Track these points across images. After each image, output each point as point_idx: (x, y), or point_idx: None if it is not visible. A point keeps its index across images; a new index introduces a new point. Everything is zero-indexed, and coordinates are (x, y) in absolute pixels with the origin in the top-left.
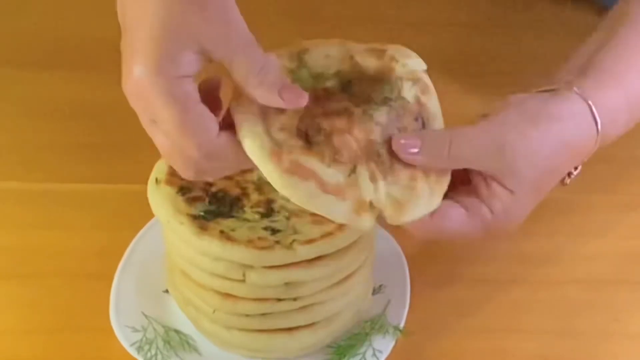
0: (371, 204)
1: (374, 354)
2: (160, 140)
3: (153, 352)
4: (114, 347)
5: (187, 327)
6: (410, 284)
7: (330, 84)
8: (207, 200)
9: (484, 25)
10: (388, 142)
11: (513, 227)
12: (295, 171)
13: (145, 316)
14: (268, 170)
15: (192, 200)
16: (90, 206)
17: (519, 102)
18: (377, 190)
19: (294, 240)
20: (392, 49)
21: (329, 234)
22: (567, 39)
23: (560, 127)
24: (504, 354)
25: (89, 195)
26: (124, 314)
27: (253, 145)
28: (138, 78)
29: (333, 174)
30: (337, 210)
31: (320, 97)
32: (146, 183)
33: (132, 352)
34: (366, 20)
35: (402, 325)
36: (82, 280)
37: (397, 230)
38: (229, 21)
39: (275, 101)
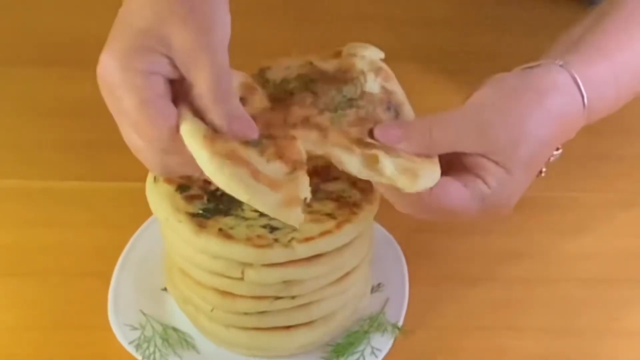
0: (305, 202)
1: (373, 352)
2: (125, 131)
3: (151, 350)
4: (112, 345)
5: (185, 325)
6: (408, 282)
7: (292, 86)
8: (205, 198)
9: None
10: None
11: (510, 203)
12: (229, 157)
13: (144, 314)
14: (198, 152)
15: (190, 198)
16: (89, 204)
17: (497, 79)
18: (385, 165)
19: (292, 239)
20: (347, 46)
21: (327, 232)
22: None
23: (543, 99)
24: (503, 352)
25: (87, 193)
26: (123, 312)
27: (187, 128)
28: (105, 65)
29: (271, 169)
30: (265, 199)
31: (282, 102)
32: (144, 181)
33: (130, 350)
34: (359, 19)
35: (400, 323)
36: (80, 278)
37: (395, 228)
38: (208, 43)
39: (223, 129)
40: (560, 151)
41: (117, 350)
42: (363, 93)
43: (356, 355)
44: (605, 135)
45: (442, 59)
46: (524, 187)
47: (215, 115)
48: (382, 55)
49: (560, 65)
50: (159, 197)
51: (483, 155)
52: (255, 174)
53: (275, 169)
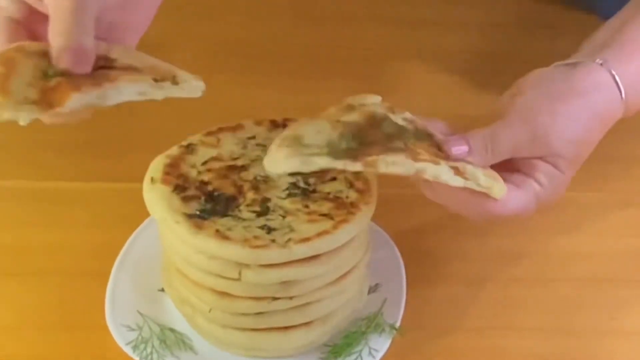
0: None
1: (370, 353)
2: None
3: (149, 350)
4: (110, 346)
5: (182, 325)
6: (406, 282)
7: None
8: (202, 199)
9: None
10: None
11: (559, 197)
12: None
13: (141, 315)
14: None
15: (187, 199)
16: (86, 204)
17: (542, 79)
18: (478, 173)
19: (289, 239)
20: (353, 99)
21: (324, 233)
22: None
23: (588, 101)
24: (501, 352)
25: (85, 193)
26: (120, 312)
27: None
28: None
29: None
30: None
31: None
32: (142, 182)
33: (127, 350)
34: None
35: (398, 323)
36: (78, 278)
37: (393, 229)
38: None
39: (58, 58)
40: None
41: (114, 350)
42: (399, 127)
43: (354, 356)
44: (604, 135)
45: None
46: (569, 180)
47: (59, 42)
48: (379, 98)
49: (600, 64)
50: (156, 197)
51: (538, 158)
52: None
53: None
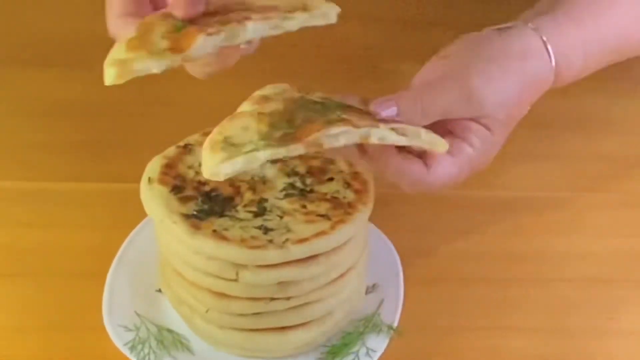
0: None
1: (368, 353)
2: None
3: (146, 351)
4: (107, 346)
5: (180, 326)
6: (403, 282)
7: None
8: (200, 199)
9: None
10: None
11: (489, 161)
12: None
13: (138, 315)
14: None
15: (185, 200)
16: (83, 205)
17: (474, 42)
18: (420, 131)
19: (287, 240)
20: (261, 92)
21: (322, 233)
22: None
23: (520, 64)
24: (498, 352)
25: (81, 194)
26: (117, 313)
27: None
28: None
29: None
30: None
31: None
32: (139, 182)
33: (125, 351)
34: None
35: (395, 324)
36: (75, 279)
37: (390, 229)
38: None
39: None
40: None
41: (111, 351)
42: (322, 104)
43: (351, 356)
44: (600, 135)
45: None
46: (501, 144)
47: None
48: (288, 86)
49: (533, 29)
50: (153, 198)
51: (470, 119)
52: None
53: None
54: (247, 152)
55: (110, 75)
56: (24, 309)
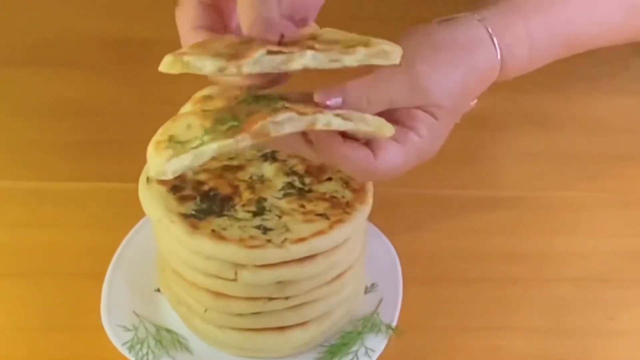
0: None
1: (367, 353)
2: None
3: (144, 351)
4: (106, 346)
5: (178, 326)
6: (402, 282)
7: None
8: (198, 198)
9: None
10: None
11: (436, 150)
12: None
13: (137, 315)
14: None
15: (183, 199)
16: (82, 205)
17: (422, 32)
18: (366, 116)
19: (285, 239)
20: (202, 92)
21: (320, 232)
22: None
23: (467, 54)
24: (497, 351)
25: (80, 193)
26: (116, 313)
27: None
28: None
29: None
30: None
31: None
32: (137, 182)
33: (123, 351)
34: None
35: (394, 323)
36: (73, 279)
37: (389, 228)
38: None
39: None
40: (475, 102)
41: (110, 351)
42: (266, 97)
43: (350, 356)
44: (598, 135)
45: None
46: (447, 134)
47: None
48: None
49: (478, 20)
50: (151, 198)
51: (416, 107)
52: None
53: None
54: (193, 148)
55: (166, 63)
56: (21, 309)
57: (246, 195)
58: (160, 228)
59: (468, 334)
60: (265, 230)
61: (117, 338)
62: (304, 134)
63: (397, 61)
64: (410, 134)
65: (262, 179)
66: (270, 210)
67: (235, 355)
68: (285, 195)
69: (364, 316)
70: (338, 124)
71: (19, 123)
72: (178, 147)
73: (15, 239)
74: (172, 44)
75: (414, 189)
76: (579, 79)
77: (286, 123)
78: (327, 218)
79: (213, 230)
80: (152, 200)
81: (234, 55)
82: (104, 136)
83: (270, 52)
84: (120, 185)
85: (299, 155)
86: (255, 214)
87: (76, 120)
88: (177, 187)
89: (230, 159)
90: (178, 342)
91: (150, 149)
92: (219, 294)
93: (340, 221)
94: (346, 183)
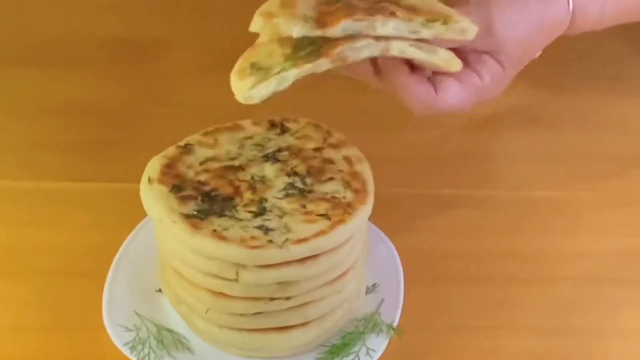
0: None
1: (368, 353)
2: None
3: (146, 351)
4: (107, 346)
5: (180, 326)
6: (403, 282)
7: None
8: (199, 199)
9: None
10: None
11: (498, 95)
12: None
13: (138, 315)
14: None
15: (184, 199)
16: (83, 205)
17: None
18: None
19: (287, 239)
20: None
21: (321, 233)
22: None
23: (541, 7)
24: (498, 351)
25: (81, 193)
26: (117, 313)
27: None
28: None
29: None
30: None
31: None
32: (139, 182)
33: (125, 351)
34: None
35: (395, 323)
36: (74, 279)
37: (390, 229)
38: None
39: None
40: (540, 53)
41: (111, 351)
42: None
43: (351, 356)
44: (600, 134)
45: None
46: (508, 82)
47: None
48: None
49: None
50: (153, 198)
51: (486, 52)
52: None
53: None
54: (276, 74)
55: (256, 23)
56: (22, 309)
57: (247, 195)
58: (161, 228)
59: (470, 333)
60: (267, 230)
61: (118, 338)
62: (373, 64)
63: (471, 37)
64: (474, 76)
65: (263, 180)
66: (271, 211)
67: (236, 355)
68: (287, 195)
69: (365, 316)
70: (411, 52)
71: (19, 123)
72: (261, 73)
73: (16, 238)
74: (174, 44)
75: (415, 189)
76: (580, 79)
77: (364, 49)
78: (329, 218)
79: (214, 230)
80: (153, 200)
81: (320, 21)
82: (105, 136)
83: (355, 20)
84: (121, 185)
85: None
86: (257, 214)
87: (77, 119)
88: (178, 187)
89: (232, 159)
90: (179, 342)
91: (233, 77)
92: (220, 294)
93: (341, 221)
94: (347, 183)
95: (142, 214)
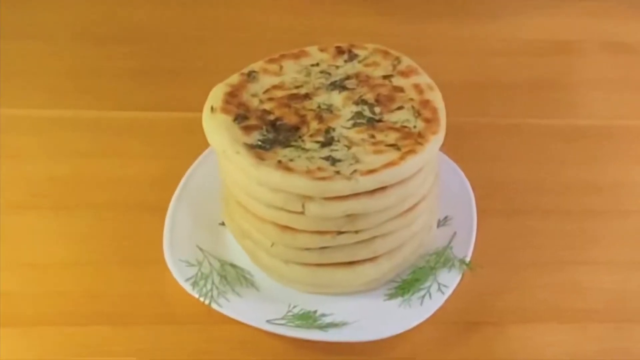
0: None
1: (439, 289)
2: None
3: (209, 287)
4: (168, 282)
5: (243, 261)
6: (477, 215)
7: None
8: (264, 128)
9: None
10: None
11: None
12: None
13: (200, 249)
14: None
15: (248, 129)
16: (144, 134)
17: None
18: None
19: (355, 170)
20: None
21: (391, 164)
22: None
23: None
24: (576, 287)
25: (142, 123)
26: (178, 247)
27: None
28: None
29: None
30: None
31: None
32: (201, 111)
33: (186, 287)
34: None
35: (468, 258)
36: (134, 211)
37: (463, 159)
38: None
39: None
40: None
41: (172, 287)
42: None
43: (422, 292)
44: None
45: None
46: None
47: None
48: None
49: None
50: (216, 127)
51: None
52: None
53: None
54: None
55: None
56: (81, 242)
57: (314, 125)
58: (224, 159)
59: (545, 268)
60: (334, 161)
61: (180, 274)
62: None
63: None
64: None
65: (330, 108)
66: (338, 141)
67: (302, 291)
68: (355, 125)
69: (436, 251)
70: None
71: (82, 50)
72: None
73: (76, 169)
74: None
75: (489, 118)
76: None
77: None
78: (398, 149)
79: (279, 161)
80: (216, 130)
81: None
82: (167, 64)
83: None
84: (183, 115)
85: None
86: (324, 145)
87: (138, 47)
88: (242, 116)
89: (297, 87)
90: (243, 278)
91: None
92: (285, 228)
93: (411, 152)
94: (418, 112)
95: (205, 144)
